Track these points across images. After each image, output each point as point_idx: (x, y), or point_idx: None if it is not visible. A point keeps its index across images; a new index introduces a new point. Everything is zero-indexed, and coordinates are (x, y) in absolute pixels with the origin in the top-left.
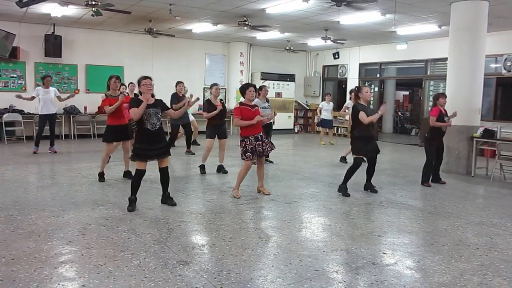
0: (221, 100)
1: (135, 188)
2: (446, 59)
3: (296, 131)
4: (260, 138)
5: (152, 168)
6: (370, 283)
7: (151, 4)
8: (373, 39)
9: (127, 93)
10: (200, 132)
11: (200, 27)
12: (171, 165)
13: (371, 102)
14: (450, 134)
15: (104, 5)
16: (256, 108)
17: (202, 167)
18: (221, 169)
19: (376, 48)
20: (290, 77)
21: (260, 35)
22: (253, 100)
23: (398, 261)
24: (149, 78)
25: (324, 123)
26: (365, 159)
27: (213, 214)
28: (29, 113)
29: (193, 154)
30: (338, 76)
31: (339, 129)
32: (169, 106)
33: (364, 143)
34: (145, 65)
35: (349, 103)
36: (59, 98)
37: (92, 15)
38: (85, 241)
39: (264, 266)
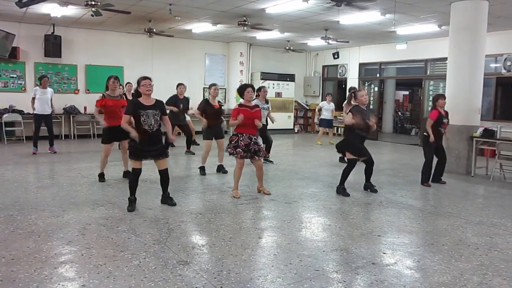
0: (219, 102)
1: (133, 187)
2: (446, 59)
3: (296, 131)
4: (254, 140)
5: (152, 168)
6: (370, 283)
7: (151, 4)
8: (373, 39)
9: (125, 93)
10: (197, 132)
11: (200, 27)
12: (171, 165)
13: (371, 102)
14: (450, 134)
15: (103, 5)
16: (256, 108)
17: (202, 169)
18: (221, 169)
19: (376, 48)
20: (290, 77)
21: (260, 35)
22: (252, 101)
23: (398, 261)
24: (149, 78)
25: (324, 123)
26: (360, 159)
27: (213, 214)
28: (28, 113)
29: (193, 154)
30: (338, 76)
31: (339, 129)
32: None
33: (357, 143)
34: (145, 65)
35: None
36: (51, 101)
37: (92, 15)
38: (85, 241)
39: (264, 266)
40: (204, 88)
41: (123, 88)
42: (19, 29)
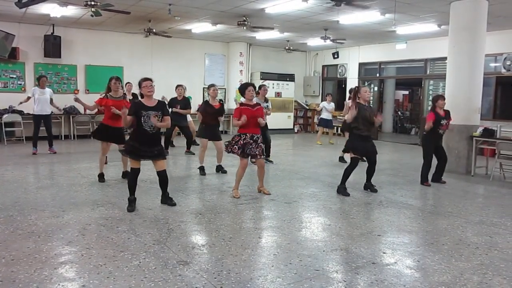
0: (220, 100)
1: (132, 187)
2: (445, 58)
3: (295, 131)
4: (255, 139)
5: (152, 168)
6: (370, 283)
7: (151, 4)
8: (373, 39)
9: (125, 93)
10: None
11: (200, 27)
12: (170, 165)
13: (371, 101)
14: (450, 134)
15: (103, 5)
16: (258, 107)
17: (201, 169)
18: (220, 169)
19: (375, 48)
20: (289, 77)
21: (260, 35)
22: (253, 99)
23: (398, 260)
24: (150, 79)
25: (324, 123)
26: (364, 158)
27: (213, 214)
28: (28, 114)
29: (193, 154)
30: (338, 76)
31: (339, 129)
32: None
33: (360, 143)
34: (145, 65)
35: (348, 102)
36: (51, 101)
37: (92, 16)
38: (85, 241)
39: (264, 266)
40: (203, 88)
41: (123, 88)
42: (18, 30)
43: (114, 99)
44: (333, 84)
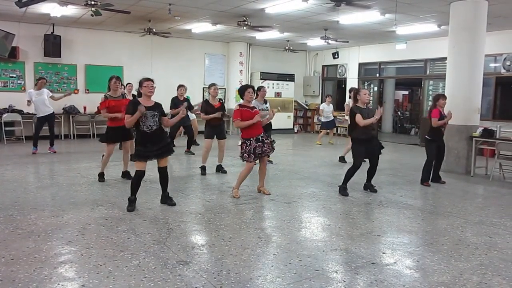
0: (220, 99)
1: (134, 189)
2: (445, 58)
3: (295, 131)
4: (261, 139)
5: (151, 168)
6: (369, 283)
7: (151, 4)
8: (373, 39)
9: (125, 93)
10: (200, 132)
11: (200, 27)
12: (170, 165)
13: (371, 102)
14: (450, 134)
15: (103, 5)
16: (255, 109)
17: (202, 168)
18: (220, 169)
19: (375, 48)
20: (289, 77)
21: (260, 35)
22: (252, 101)
23: (398, 260)
24: (151, 80)
25: (327, 125)
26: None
27: (212, 214)
28: (28, 113)
29: (193, 154)
30: (338, 76)
31: (339, 129)
32: (169, 109)
33: (362, 145)
34: (144, 64)
35: (349, 102)
36: (52, 97)
37: (92, 15)
38: (85, 241)
39: (263, 266)
40: (203, 88)
41: (123, 88)
42: (18, 29)
43: (114, 99)
44: (333, 84)
